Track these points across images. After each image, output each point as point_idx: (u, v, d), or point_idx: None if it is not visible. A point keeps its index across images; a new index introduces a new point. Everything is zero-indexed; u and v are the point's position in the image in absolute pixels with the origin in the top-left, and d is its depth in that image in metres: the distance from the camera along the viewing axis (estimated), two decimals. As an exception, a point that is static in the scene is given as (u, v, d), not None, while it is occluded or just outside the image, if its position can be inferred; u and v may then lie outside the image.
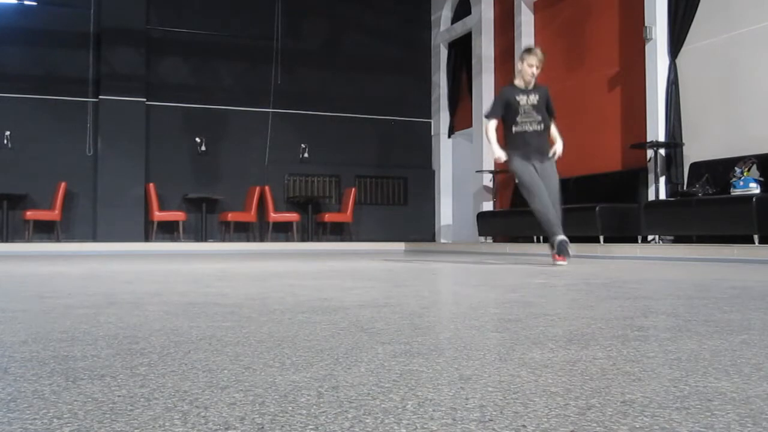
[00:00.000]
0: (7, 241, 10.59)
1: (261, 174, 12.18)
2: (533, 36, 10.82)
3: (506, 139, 5.70)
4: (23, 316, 2.05)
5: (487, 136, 5.73)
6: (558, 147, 5.72)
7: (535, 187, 5.48)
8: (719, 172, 7.27)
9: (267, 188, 11.95)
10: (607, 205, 8.13)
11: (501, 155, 5.63)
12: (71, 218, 11.18)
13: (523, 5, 10.81)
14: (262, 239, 12.00)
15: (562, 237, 5.39)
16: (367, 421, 0.88)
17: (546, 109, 5.69)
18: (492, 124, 5.67)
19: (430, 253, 10.29)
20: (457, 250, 10.45)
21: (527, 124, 5.59)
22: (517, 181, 5.74)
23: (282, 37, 12.43)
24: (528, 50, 5.76)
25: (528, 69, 5.62)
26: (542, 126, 5.63)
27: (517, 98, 5.61)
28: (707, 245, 6.72)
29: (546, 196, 5.46)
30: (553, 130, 5.78)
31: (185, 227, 11.49)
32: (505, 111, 5.65)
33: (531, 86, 5.67)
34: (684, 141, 8.05)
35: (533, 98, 5.63)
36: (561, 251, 5.40)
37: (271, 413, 0.92)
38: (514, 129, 5.62)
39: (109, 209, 11.17)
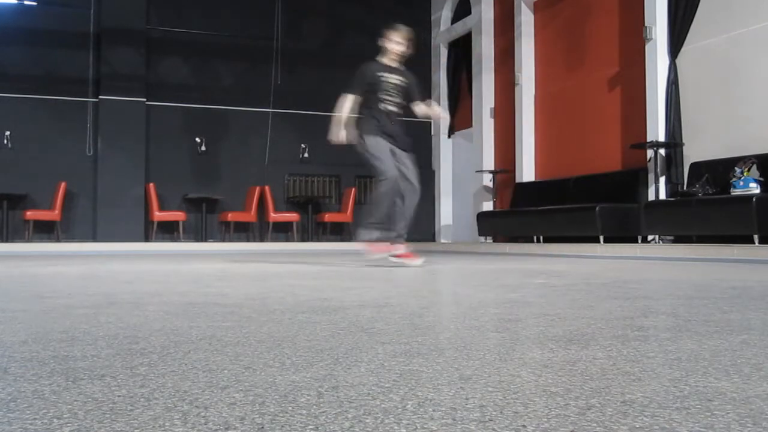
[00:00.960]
0: (7, 241, 10.59)
1: (261, 174, 12.18)
2: (533, 36, 10.82)
3: (365, 118, 5.30)
4: (23, 316, 2.05)
5: (338, 111, 5.35)
6: (437, 110, 5.44)
7: (391, 172, 5.12)
8: (719, 172, 7.27)
9: (267, 188, 11.95)
10: (607, 205, 8.13)
11: (339, 137, 5.29)
12: (71, 218, 11.17)
13: (523, 5, 10.81)
14: (262, 239, 12.00)
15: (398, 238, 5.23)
16: (367, 421, 0.88)
17: (410, 96, 5.37)
18: (349, 99, 5.30)
19: (430, 253, 10.29)
20: (457, 250, 10.44)
21: (390, 104, 5.26)
22: (370, 159, 5.25)
23: (282, 37, 12.43)
24: (394, 28, 5.42)
25: (396, 47, 5.34)
26: (401, 110, 5.33)
27: (380, 75, 5.29)
28: (707, 245, 6.72)
29: (396, 190, 5.15)
30: (424, 107, 5.47)
31: (185, 227, 11.49)
32: (368, 88, 5.28)
33: (394, 64, 5.37)
34: (684, 141, 8.05)
35: (396, 79, 5.30)
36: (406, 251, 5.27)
37: (271, 413, 0.92)
38: (378, 106, 5.24)
39: (109, 209, 11.16)
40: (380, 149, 5.21)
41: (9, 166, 10.90)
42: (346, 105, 5.34)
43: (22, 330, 1.74)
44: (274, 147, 12.36)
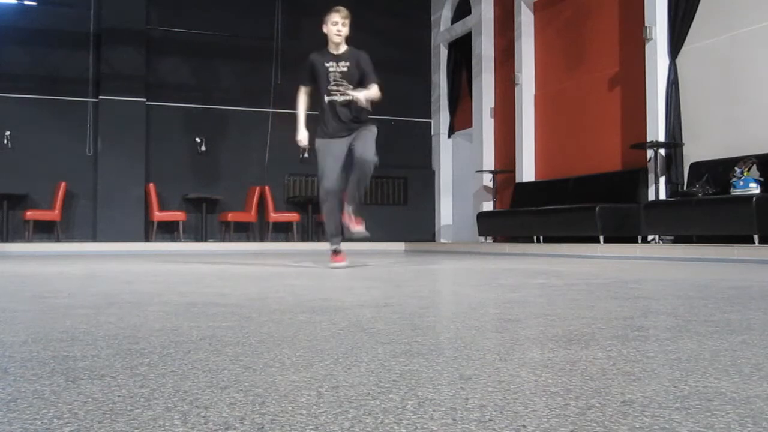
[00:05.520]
0: (7, 241, 10.58)
1: (261, 174, 12.17)
2: (533, 36, 10.82)
3: (320, 112, 5.18)
4: (23, 316, 2.05)
5: (299, 109, 5.27)
6: (364, 92, 4.91)
7: (328, 182, 5.08)
8: (719, 172, 7.26)
9: (267, 188, 11.95)
10: (607, 205, 8.13)
11: (302, 138, 5.23)
12: (71, 218, 11.17)
13: (523, 5, 10.81)
14: (262, 239, 11.99)
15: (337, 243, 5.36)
16: (367, 421, 0.88)
17: (363, 77, 5.02)
18: (301, 93, 5.21)
19: (430, 253, 10.29)
20: (457, 250, 10.44)
21: (337, 94, 5.01)
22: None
23: (282, 37, 12.42)
24: (332, 9, 5.04)
25: (333, 28, 4.97)
26: (350, 99, 5.00)
27: (327, 65, 5.02)
28: (707, 245, 6.72)
29: (333, 195, 5.16)
30: (373, 87, 5.00)
31: (185, 227, 11.49)
32: (316, 79, 5.09)
33: (341, 50, 5.05)
34: (684, 141, 8.05)
35: (343, 65, 5.01)
36: (336, 251, 5.38)
37: (271, 413, 0.92)
38: (325, 99, 5.05)
39: (109, 209, 11.16)
40: (323, 156, 5.11)
41: (9, 166, 10.89)
42: (301, 100, 5.25)
43: (22, 330, 1.74)
44: (274, 147, 12.35)
